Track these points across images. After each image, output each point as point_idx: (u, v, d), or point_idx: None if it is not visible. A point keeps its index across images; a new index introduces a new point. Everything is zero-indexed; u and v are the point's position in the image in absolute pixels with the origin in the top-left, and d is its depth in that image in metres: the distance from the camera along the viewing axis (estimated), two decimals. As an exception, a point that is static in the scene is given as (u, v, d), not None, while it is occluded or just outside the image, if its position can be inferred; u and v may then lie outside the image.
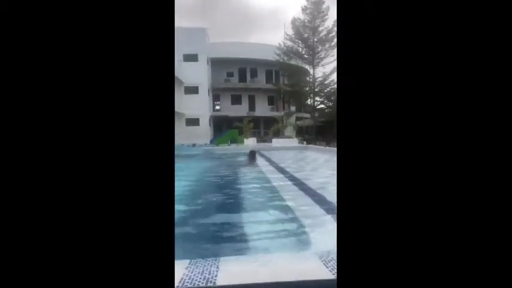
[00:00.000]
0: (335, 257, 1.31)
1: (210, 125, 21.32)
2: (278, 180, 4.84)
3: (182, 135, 19.23)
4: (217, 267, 1.29)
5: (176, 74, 18.50)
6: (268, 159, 8.17)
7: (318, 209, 3.00)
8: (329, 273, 1.24)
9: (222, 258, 1.41)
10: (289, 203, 3.36)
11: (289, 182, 4.65)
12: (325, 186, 4.27)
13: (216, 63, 21.90)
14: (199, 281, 1.18)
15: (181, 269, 1.28)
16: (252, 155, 6.98)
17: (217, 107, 23.43)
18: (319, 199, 3.40)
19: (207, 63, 20.93)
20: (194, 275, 1.23)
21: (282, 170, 6.13)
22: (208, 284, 1.16)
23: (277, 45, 19.69)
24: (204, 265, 1.32)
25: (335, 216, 2.39)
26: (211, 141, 16.47)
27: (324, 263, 1.34)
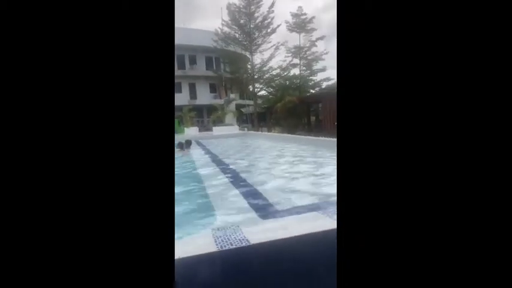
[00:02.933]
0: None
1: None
2: (207, 170, 4.86)
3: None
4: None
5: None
6: (204, 148, 8.14)
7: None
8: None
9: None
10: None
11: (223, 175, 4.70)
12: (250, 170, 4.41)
13: (180, 49, 20.60)
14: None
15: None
16: (181, 145, 6.85)
17: (156, 97, 22.26)
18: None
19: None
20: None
21: (215, 159, 6.16)
22: None
23: (214, 31, 19.28)
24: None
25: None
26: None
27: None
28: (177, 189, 3.63)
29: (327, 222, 1.75)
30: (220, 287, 1.17)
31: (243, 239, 1.54)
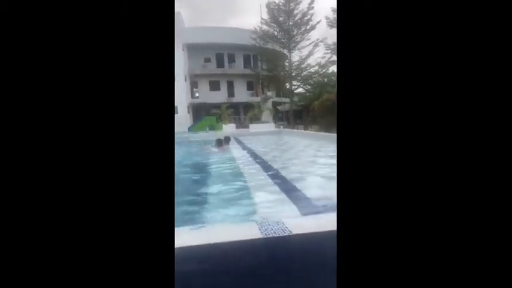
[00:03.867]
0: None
1: (188, 112, 21.11)
2: (246, 164, 5.04)
3: (161, 124, 18.92)
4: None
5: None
6: (241, 144, 8.37)
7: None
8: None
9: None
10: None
11: (257, 166, 4.85)
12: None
13: (193, 49, 21.45)
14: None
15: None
16: (219, 142, 7.10)
17: (196, 94, 23.14)
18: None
19: (183, 49, 20.47)
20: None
21: (252, 154, 6.32)
22: None
23: (253, 29, 19.49)
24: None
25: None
26: (189, 129, 16.40)
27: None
28: (219, 186, 3.83)
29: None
30: (262, 270, 1.29)
31: (285, 229, 1.65)
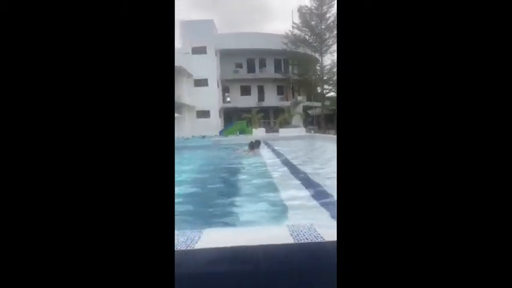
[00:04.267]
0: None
1: (220, 116, 21.57)
2: (275, 166, 5.03)
3: (194, 128, 19.61)
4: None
5: (185, 67, 18.73)
6: (272, 148, 8.38)
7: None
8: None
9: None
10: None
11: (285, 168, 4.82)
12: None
13: (225, 55, 21.97)
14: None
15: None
16: (251, 145, 7.18)
17: (228, 99, 23.62)
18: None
19: (216, 55, 21.04)
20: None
21: (283, 159, 6.30)
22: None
23: (284, 34, 19.51)
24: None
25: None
26: (220, 133, 16.74)
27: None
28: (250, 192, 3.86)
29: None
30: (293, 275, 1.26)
31: (317, 236, 1.61)
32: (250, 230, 2.17)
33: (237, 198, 3.28)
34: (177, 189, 3.58)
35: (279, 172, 4.67)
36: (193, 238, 1.58)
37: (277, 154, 7.21)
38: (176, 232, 1.59)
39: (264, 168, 5.11)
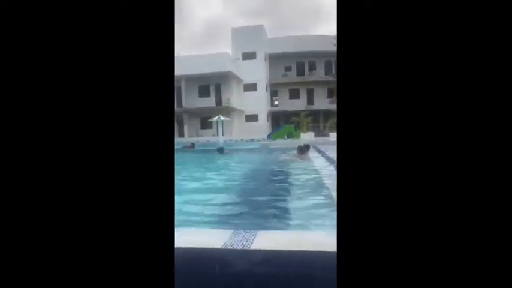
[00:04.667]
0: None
1: (268, 120, 21.75)
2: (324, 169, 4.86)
3: (242, 131, 20.08)
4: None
5: (235, 72, 19.33)
6: (320, 152, 8.13)
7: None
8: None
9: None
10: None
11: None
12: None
13: (274, 59, 22.14)
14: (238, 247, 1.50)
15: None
16: (301, 149, 7.03)
17: (276, 102, 23.70)
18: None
19: (265, 60, 21.31)
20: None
21: (331, 162, 6.07)
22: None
23: (334, 34, 18.91)
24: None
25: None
26: (268, 136, 16.84)
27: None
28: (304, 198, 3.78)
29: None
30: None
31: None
32: (303, 233, 2.13)
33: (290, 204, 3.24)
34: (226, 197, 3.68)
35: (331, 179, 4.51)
36: (248, 238, 1.60)
37: (327, 159, 6.98)
38: (231, 231, 1.63)
39: (316, 175, 4.96)
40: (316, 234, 1.98)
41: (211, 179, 5.21)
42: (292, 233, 2.17)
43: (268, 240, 1.60)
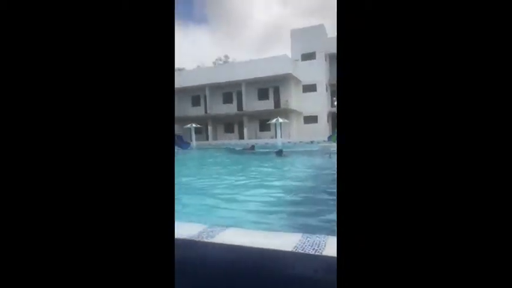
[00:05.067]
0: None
1: (328, 121, 21.04)
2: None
3: (301, 133, 19.82)
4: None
5: (294, 73, 19.22)
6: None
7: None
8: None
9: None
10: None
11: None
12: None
13: (335, 58, 21.36)
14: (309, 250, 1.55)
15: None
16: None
17: (335, 103, 22.79)
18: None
19: (325, 60, 20.71)
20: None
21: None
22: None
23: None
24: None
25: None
26: (329, 138, 16.27)
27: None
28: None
29: None
30: None
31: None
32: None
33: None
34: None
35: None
36: (320, 243, 1.62)
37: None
38: (300, 236, 1.67)
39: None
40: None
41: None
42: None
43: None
